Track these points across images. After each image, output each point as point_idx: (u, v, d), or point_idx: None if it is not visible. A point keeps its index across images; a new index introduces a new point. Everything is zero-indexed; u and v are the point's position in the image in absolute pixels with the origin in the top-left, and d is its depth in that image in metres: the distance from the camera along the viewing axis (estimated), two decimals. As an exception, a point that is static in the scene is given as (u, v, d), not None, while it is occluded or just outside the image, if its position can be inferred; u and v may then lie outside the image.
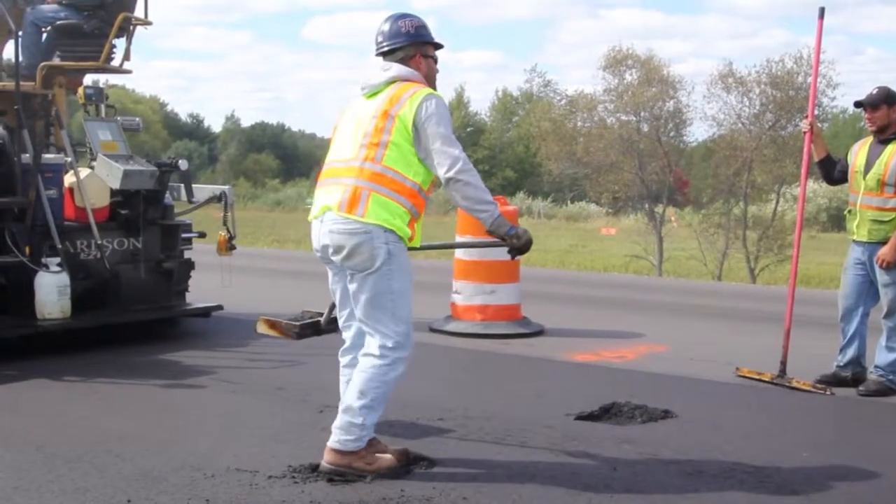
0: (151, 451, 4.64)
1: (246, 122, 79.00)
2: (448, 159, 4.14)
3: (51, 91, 7.60)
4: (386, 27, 4.43)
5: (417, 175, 4.20)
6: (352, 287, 4.23)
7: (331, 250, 4.21)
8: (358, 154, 4.21)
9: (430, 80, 4.44)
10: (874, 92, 6.19)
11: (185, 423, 5.23)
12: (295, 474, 4.25)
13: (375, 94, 4.32)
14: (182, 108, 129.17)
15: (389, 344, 4.18)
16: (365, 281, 4.17)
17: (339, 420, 4.23)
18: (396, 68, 4.34)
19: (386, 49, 4.41)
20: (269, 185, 58.64)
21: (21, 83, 7.00)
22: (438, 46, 4.52)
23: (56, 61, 7.76)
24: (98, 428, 5.08)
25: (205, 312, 8.03)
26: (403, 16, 4.44)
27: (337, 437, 4.23)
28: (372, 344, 4.22)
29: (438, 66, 4.52)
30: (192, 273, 8.21)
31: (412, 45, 4.40)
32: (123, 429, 5.06)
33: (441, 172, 4.16)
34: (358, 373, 4.23)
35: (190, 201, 8.11)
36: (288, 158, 70.95)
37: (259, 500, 3.96)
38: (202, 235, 8.47)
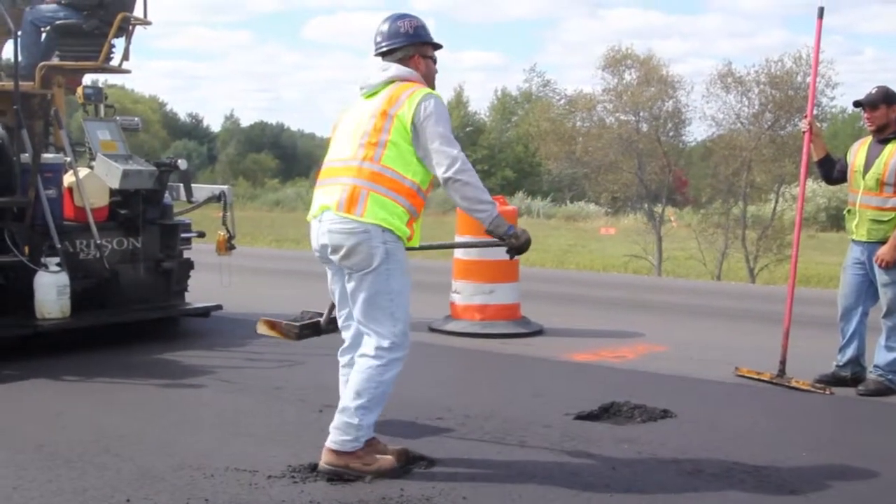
0: (150, 450, 4.64)
1: (245, 122, 79.07)
2: (447, 159, 4.15)
3: (50, 91, 7.61)
4: (385, 27, 4.44)
5: (416, 174, 4.21)
6: (350, 286, 4.23)
7: (329, 250, 4.22)
8: (357, 154, 4.22)
9: (428, 80, 4.45)
10: (873, 92, 6.18)
11: (184, 423, 5.23)
12: (294, 474, 4.25)
13: (374, 93, 4.34)
14: (181, 108, 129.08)
15: (385, 344, 4.18)
16: (363, 280, 4.17)
17: (337, 420, 4.23)
18: (395, 68, 4.36)
19: (385, 49, 4.42)
20: (268, 184, 58.58)
21: (20, 83, 7.00)
22: (437, 47, 4.54)
23: (55, 61, 7.78)
24: (97, 427, 5.08)
25: (204, 312, 8.03)
26: (402, 16, 4.46)
27: (334, 438, 4.23)
28: (369, 344, 4.22)
29: (438, 66, 4.55)
30: (192, 273, 8.22)
31: (411, 46, 4.42)
32: (122, 428, 5.06)
33: (440, 172, 4.17)
34: (355, 373, 4.23)
35: (189, 201, 8.14)
36: (287, 158, 70.93)
37: (258, 499, 3.96)
38: (201, 235, 8.48)
